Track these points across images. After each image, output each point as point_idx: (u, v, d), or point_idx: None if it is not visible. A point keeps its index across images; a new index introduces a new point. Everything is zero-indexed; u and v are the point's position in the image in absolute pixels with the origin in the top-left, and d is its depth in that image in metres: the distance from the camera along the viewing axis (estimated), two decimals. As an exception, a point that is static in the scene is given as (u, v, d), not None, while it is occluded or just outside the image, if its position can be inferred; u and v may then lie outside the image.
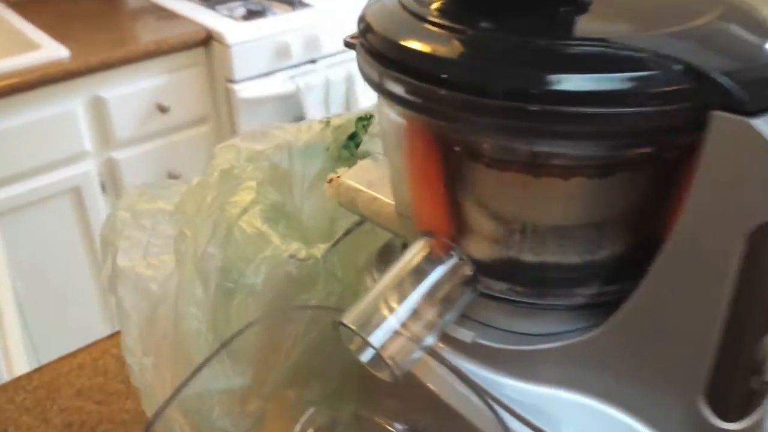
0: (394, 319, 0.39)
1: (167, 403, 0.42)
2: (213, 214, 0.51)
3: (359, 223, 0.53)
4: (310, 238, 0.57)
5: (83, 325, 1.78)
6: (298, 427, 0.50)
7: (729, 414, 0.39)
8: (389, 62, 0.39)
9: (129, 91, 1.71)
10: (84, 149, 1.70)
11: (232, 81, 1.80)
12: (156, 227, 0.52)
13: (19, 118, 1.58)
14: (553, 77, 0.34)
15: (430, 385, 0.43)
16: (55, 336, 1.73)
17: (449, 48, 0.37)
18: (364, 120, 0.64)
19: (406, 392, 0.46)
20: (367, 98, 1.94)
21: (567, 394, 0.42)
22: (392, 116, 0.42)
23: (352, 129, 0.64)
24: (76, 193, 1.72)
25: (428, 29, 0.39)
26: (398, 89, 0.38)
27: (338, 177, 0.54)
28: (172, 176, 1.84)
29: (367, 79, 0.41)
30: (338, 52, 1.92)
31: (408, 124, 0.41)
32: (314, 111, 1.88)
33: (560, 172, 0.38)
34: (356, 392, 0.52)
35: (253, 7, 1.91)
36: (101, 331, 1.87)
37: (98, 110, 1.69)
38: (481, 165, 0.39)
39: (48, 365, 0.70)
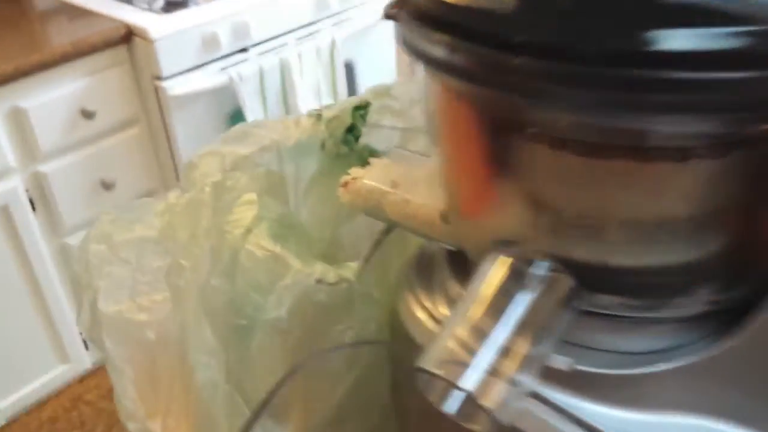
0: (484, 357, 0.31)
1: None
2: (211, 238, 0.42)
3: (387, 231, 0.45)
4: (315, 251, 0.49)
5: (32, 359, 1.66)
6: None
7: None
8: (445, 27, 0.31)
9: (49, 99, 1.60)
10: (7, 165, 1.57)
11: (159, 78, 1.70)
12: (140, 260, 0.43)
13: (-72, 138, 1.44)
14: (661, 33, 0.27)
15: (523, 426, 0.35)
16: (4, 376, 1.60)
17: (526, 3, 0.30)
18: (361, 109, 0.56)
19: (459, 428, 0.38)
20: (303, 83, 1.86)
21: (687, 419, 0.34)
22: (448, 96, 0.34)
23: (348, 121, 0.55)
24: (4, 213, 1.59)
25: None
26: (461, 60, 0.30)
27: (354, 179, 0.45)
28: (106, 185, 1.73)
29: (416, 53, 0.33)
30: (269, 39, 1.84)
31: (468, 104, 0.33)
32: (250, 102, 1.80)
33: (670, 154, 0.31)
34: (398, 429, 0.44)
35: (172, -2, 1.79)
36: (53, 361, 1.75)
37: (18, 121, 1.57)
38: (568, 153, 0.32)
39: (15, 422, 0.60)
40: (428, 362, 0.30)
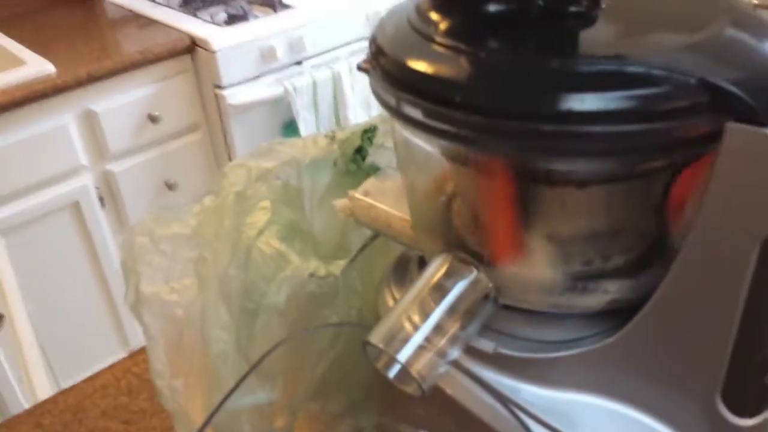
0: (419, 335, 0.40)
1: (205, 425, 0.43)
2: (231, 237, 0.52)
3: (373, 238, 0.55)
4: (323, 253, 0.58)
5: (97, 344, 1.79)
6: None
7: (744, 411, 0.40)
8: (403, 86, 0.40)
9: (119, 103, 1.71)
10: (80, 163, 1.69)
11: (220, 87, 1.79)
12: (175, 252, 0.53)
13: (12, 136, 1.58)
14: (568, 97, 0.35)
15: (455, 395, 0.44)
16: (71, 356, 1.74)
17: (464, 71, 0.39)
18: (369, 132, 0.65)
19: (430, 402, 0.47)
20: (354, 96, 1.94)
21: (588, 398, 0.43)
22: (406, 135, 0.43)
23: (357, 142, 0.65)
24: (76, 208, 1.72)
25: (439, 51, 0.40)
26: (414, 113, 0.40)
27: (354, 195, 0.55)
28: (169, 185, 1.84)
29: (382, 102, 0.42)
30: (323, 52, 1.92)
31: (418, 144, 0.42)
32: (303, 113, 1.88)
33: (575, 182, 0.39)
34: (379, 403, 0.54)
35: (234, 12, 1.90)
36: (116, 345, 1.89)
37: (90, 123, 1.69)
38: (499, 183, 0.41)
39: (72, 388, 0.71)
40: (375, 337, 0.40)
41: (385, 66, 0.41)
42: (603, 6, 0.40)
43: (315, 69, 1.90)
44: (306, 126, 1.89)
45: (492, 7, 0.41)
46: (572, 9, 0.40)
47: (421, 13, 0.42)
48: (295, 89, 1.84)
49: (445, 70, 0.39)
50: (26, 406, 0.83)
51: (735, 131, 0.33)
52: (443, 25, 0.41)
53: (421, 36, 0.41)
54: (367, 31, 1.97)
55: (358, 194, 0.54)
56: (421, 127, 0.40)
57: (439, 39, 0.39)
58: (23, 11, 2.00)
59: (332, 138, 0.66)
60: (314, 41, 1.88)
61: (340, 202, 0.55)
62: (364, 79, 0.45)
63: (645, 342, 0.41)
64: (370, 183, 0.56)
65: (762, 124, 0.32)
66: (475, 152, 0.40)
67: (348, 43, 1.95)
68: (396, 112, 0.41)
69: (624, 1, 0.42)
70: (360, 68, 0.44)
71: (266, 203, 0.55)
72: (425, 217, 0.46)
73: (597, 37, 0.40)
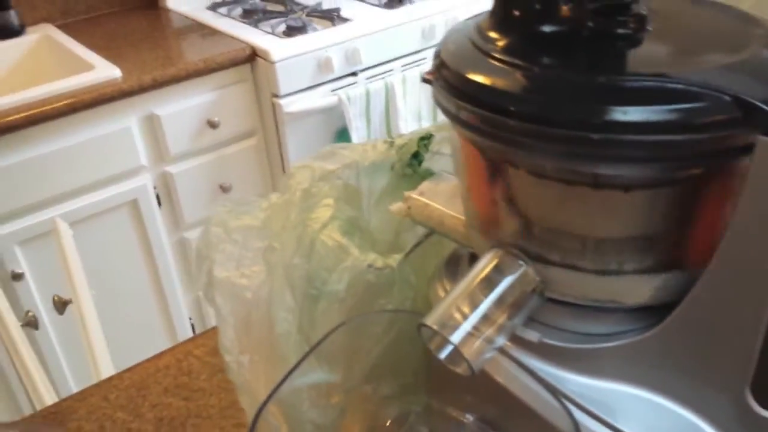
0: (469, 322, 0.44)
1: (269, 398, 0.47)
2: (297, 229, 0.57)
3: (428, 235, 0.59)
4: (379, 249, 0.63)
5: (146, 340, 1.86)
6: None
7: (772, 404, 0.43)
8: (463, 96, 0.44)
9: (181, 108, 1.78)
10: (140, 164, 1.77)
11: (277, 96, 1.85)
12: (246, 241, 0.58)
13: (79, 136, 1.66)
14: (613, 109, 0.39)
15: (501, 380, 0.48)
16: (121, 344, 1.81)
17: (519, 84, 0.43)
18: (425, 139, 0.70)
19: (477, 387, 0.51)
20: (406, 107, 1.99)
21: (626, 388, 0.47)
22: (465, 141, 0.47)
23: (414, 148, 0.69)
24: (134, 206, 1.79)
25: (496, 65, 0.44)
26: (472, 119, 0.44)
27: (411, 195, 0.59)
28: (224, 188, 1.91)
29: (443, 110, 0.46)
30: (377, 64, 1.97)
31: (477, 148, 0.46)
32: (356, 122, 1.93)
33: (620, 185, 0.43)
34: (427, 387, 0.58)
35: (294, 24, 1.96)
36: (164, 338, 1.96)
37: (152, 126, 1.77)
38: (551, 182, 0.44)
39: (137, 366, 0.77)
40: (429, 320, 0.44)
41: (447, 77, 0.45)
42: (649, 28, 0.44)
43: (369, 80, 1.95)
44: (358, 134, 1.94)
45: (546, 28, 0.45)
46: (620, 30, 0.44)
47: (481, 32, 0.46)
48: (348, 99, 1.90)
49: (501, 82, 0.43)
50: (75, 389, 0.89)
51: (765, 144, 0.36)
52: (501, 43, 0.45)
53: (481, 52, 0.45)
54: (421, 45, 2.02)
55: (414, 194, 0.58)
56: (479, 133, 0.44)
57: (496, 55, 0.44)
58: (93, 18, 2.10)
59: (391, 144, 0.70)
60: (369, 53, 1.94)
61: (396, 206, 0.59)
62: (415, 91, 0.49)
63: (680, 337, 0.44)
64: (425, 185, 0.60)
65: (791, 139, 0.36)
66: (526, 157, 0.44)
67: (402, 56, 2.01)
68: (456, 119, 0.45)
69: (669, 23, 0.46)
70: (424, 80, 0.48)
71: (329, 200, 0.59)
72: (478, 216, 0.50)
73: (642, 56, 0.44)
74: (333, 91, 1.91)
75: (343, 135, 1.96)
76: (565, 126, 0.40)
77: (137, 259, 1.86)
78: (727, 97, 0.37)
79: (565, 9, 0.45)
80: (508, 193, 0.46)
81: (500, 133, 0.43)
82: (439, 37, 2.19)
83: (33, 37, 1.96)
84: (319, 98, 1.90)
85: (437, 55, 0.47)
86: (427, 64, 2.13)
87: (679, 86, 0.39)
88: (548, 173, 0.44)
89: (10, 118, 1.56)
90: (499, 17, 0.47)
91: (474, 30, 0.47)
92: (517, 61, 0.43)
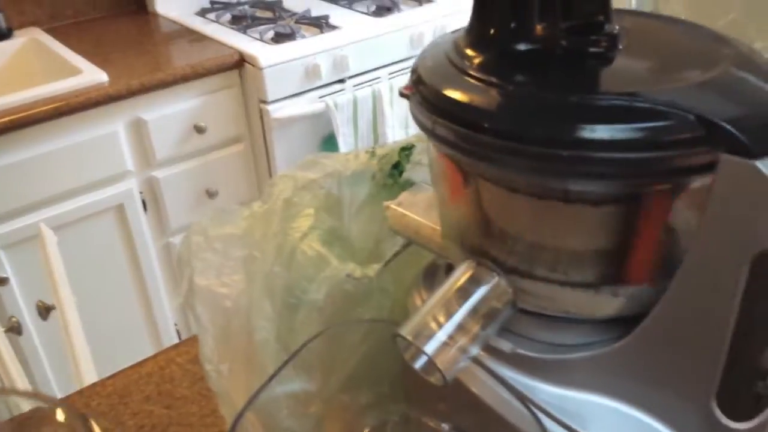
0: (443, 332, 0.45)
1: (246, 407, 0.48)
2: (278, 238, 0.58)
3: (406, 245, 0.60)
4: (359, 258, 0.64)
5: (130, 345, 1.86)
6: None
7: (738, 415, 0.44)
8: (439, 111, 0.45)
9: (167, 113, 1.79)
10: (126, 168, 1.77)
11: (264, 102, 1.86)
12: (227, 250, 0.59)
13: (65, 140, 1.66)
14: (582, 127, 0.40)
15: (475, 390, 0.49)
16: (105, 350, 1.81)
17: (493, 101, 0.44)
18: (407, 150, 0.71)
19: (452, 396, 0.52)
20: (393, 115, 2.00)
21: (596, 398, 0.48)
22: (439, 154, 0.48)
23: (395, 158, 0.70)
24: (120, 211, 1.80)
25: (471, 83, 0.45)
26: (447, 134, 0.45)
27: (390, 205, 0.60)
28: (210, 194, 1.91)
29: (420, 124, 0.47)
30: (365, 72, 1.98)
31: (452, 162, 0.47)
32: (343, 128, 1.94)
33: (589, 200, 0.44)
34: (405, 396, 0.59)
35: (283, 30, 1.97)
36: (148, 352, 1.95)
37: (139, 131, 1.77)
38: (523, 196, 0.45)
39: (119, 373, 0.77)
40: (404, 330, 0.45)
41: (423, 93, 0.46)
42: (621, 46, 0.45)
43: (356, 87, 1.96)
44: (345, 141, 1.96)
45: (521, 46, 0.46)
46: (592, 49, 0.45)
47: (458, 49, 0.47)
48: (336, 106, 1.91)
49: (476, 99, 0.44)
50: (59, 395, 0.89)
51: (728, 162, 0.38)
52: (477, 60, 0.46)
53: (457, 69, 0.46)
54: (409, 53, 2.03)
55: (393, 204, 0.59)
56: (453, 147, 0.45)
57: (472, 72, 0.45)
58: (81, 23, 2.10)
59: (372, 153, 0.71)
60: (357, 61, 1.95)
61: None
62: (402, 99, 0.50)
63: (648, 348, 0.45)
64: (403, 195, 0.61)
65: (752, 157, 0.37)
66: (499, 172, 0.45)
67: (390, 64, 2.02)
68: (431, 134, 0.46)
69: (640, 42, 0.47)
70: (402, 94, 0.49)
71: (310, 211, 0.60)
72: (453, 227, 0.51)
73: (612, 75, 0.45)
74: (320, 97, 1.92)
75: (330, 141, 1.97)
76: (537, 143, 0.41)
77: (122, 264, 1.86)
78: (691, 116, 0.39)
79: (539, 28, 0.46)
80: (482, 206, 0.47)
81: (474, 149, 0.44)
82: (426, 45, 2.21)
83: (20, 40, 1.97)
84: (307, 105, 1.91)
85: (414, 71, 0.48)
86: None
87: (646, 105, 0.40)
88: (520, 188, 0.45)
89: (-3, 121, 1.56)
90: (475, 35, 0.48)
91: (451, 46, 0.48)
92: (491, 79, 0.44)
